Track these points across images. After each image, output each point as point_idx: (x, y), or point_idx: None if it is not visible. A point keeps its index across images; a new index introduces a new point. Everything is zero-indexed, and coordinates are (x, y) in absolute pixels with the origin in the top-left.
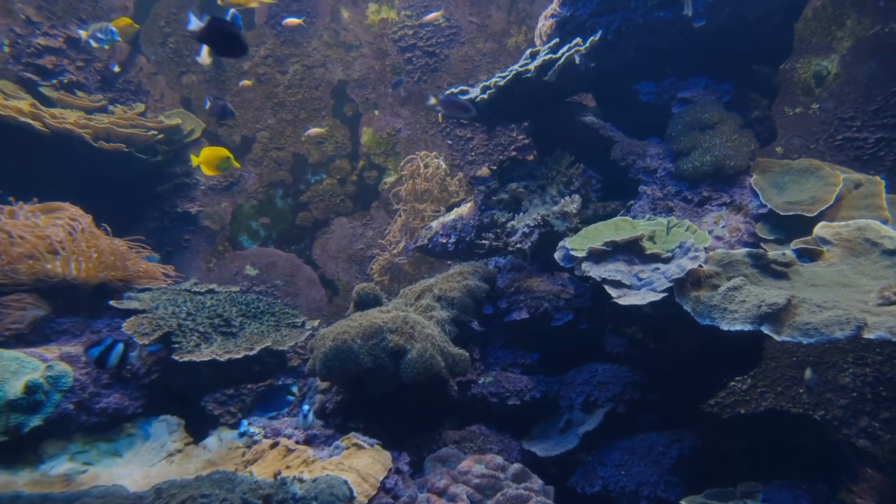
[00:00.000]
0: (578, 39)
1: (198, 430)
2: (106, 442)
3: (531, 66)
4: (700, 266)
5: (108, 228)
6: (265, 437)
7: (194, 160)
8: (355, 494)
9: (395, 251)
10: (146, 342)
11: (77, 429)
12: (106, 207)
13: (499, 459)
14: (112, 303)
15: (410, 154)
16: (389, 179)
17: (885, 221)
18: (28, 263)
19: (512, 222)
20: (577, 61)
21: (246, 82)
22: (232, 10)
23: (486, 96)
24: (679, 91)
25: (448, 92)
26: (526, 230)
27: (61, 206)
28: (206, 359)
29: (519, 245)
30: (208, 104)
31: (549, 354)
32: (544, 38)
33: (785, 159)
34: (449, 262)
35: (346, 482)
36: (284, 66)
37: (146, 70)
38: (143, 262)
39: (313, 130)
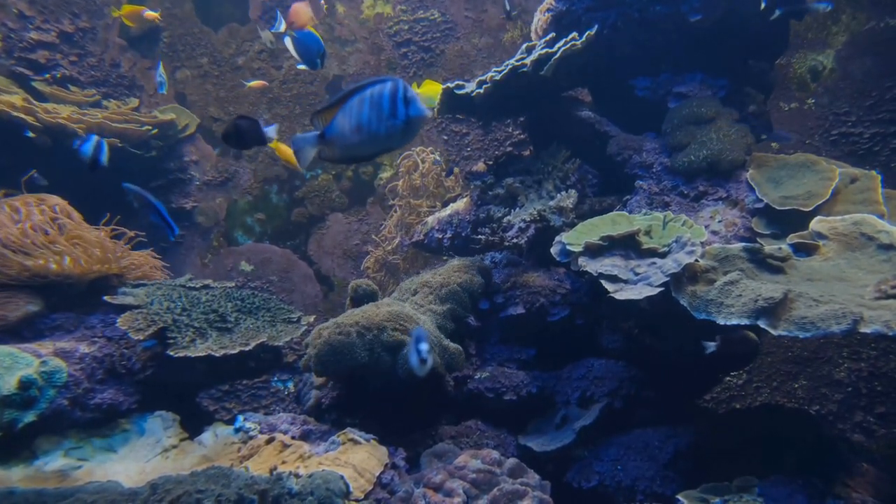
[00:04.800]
0: (574, 34)
1: (193, 426)
2: (101, 438)
3: (527, 61)
4: (696, 261)
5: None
6: (261, 432)
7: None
8: (351, 489)
9: (390, 247)
10: (141, 338)
11: (71, 424)
12: (100, 203)
13: (495, 454)
14: (106, 298)
15: (407, 150)
16: (385, 175)
17: (881, 216)
18: (18, 259)
19: (508, 217)
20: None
21: (256, 83)
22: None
23: (481, 91)
24: (675, 86)
25: (444, 87)
26: (522, 225)
27: (50, 198)
28: (201, 354)
29: (515, 240)
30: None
31: (545, 350)
32: (540, 33)
33: (781, 154)
34: (445, 258)
35: (342, 477)
36: (279, 60)
37: (140, 65)
38: (136, 254)
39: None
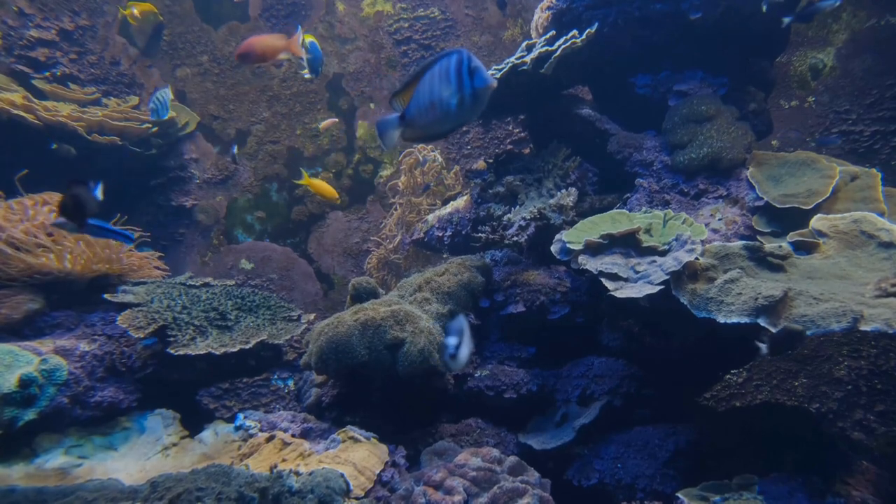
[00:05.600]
0: (575, 32)
1: (193, 423)
2: (101, 436)
3: (527, 59)
4: (696, 259)
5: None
6: (261, 430)
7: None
8: (352, 487)
9: (392, 246)
10: (141, 336)
11: (72, 422)
12: (100, 201)
13: (495, 453)
14: (106, 296)
15: (406, 148)
16: (385, 173)
17: (881, 214)
18: (20, 257)
19: (508, 216)
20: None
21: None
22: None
23: None
24: (675, 84)
25: None
26: (522, 223)
27: (52, 197)
28: (201, 352)
29: (515, 238)
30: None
31: (545, 348)
32: (540, 31)
33: (781, 152)
34: (445, 256)
35: (342, 475)
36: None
37: (140, 63)
38: (137, 254)
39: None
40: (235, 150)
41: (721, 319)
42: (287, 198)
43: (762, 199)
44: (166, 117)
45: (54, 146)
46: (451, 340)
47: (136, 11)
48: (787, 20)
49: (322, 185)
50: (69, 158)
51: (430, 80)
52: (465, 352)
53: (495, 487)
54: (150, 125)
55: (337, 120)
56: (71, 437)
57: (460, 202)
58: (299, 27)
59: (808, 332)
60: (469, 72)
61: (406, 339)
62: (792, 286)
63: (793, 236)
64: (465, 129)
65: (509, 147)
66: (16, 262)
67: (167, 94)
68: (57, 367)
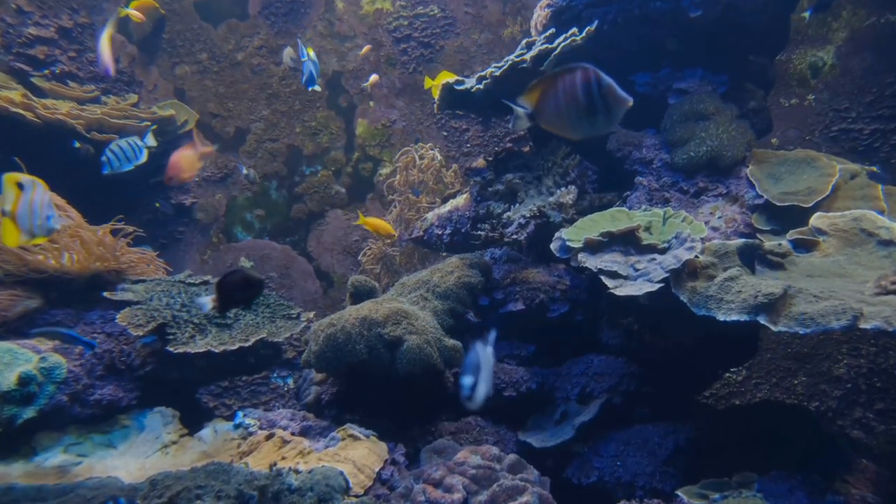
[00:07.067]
0: (574, 30)
1: (193, 422)
2: (100, 434)
3: (527, 57)
4: (696, 257)
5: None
6: (260, 428)
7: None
8: (351, 485)
9: (390, 240)
10: (140, 334)
11: (71, 420)
12: (99, 199)
13: (495, 450)
14: (105, 294)
15: (406, 146)
16: (385, 171)
17: (881, 212)
18: (16, 252)
19: (508, 214)
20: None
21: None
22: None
23: (481, 87)
24: (675, 82)
25: (444, 83)
26: (522, 221)
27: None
28: (200, 350)
29: (515, 236)
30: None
31: (544, 346)
32: (540, 29)
33: (781, 150)
34: (444, 254)
35: (342, 473)
36: (279, 56)
37: (139, 60)
38: (135, 251)
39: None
40: (245, 170)
41: (721, 317)
42: (286, 196)
43: (762, 197)
44: (127, 168)
45: (77, 145)
46: (466, 381)
47: (135, 11)
48: (807, 14)
49: (379, 223)
50: (72, 156)
51: (555, 97)
52: (483, 390)
53: (495, 485)
54: (149, 123)
55: (378, 77)
56: (70, 436)
57: (460, 200)
58: (304, 48)
59: (808, 331)
60: (600, 92)
61: (405, 338)
62: (792, 284)
63: (792, 234)
64: (464, 126)
65: (509, 145)
66: (12, 258)
67: (140, 144)
68: (56, 364)
